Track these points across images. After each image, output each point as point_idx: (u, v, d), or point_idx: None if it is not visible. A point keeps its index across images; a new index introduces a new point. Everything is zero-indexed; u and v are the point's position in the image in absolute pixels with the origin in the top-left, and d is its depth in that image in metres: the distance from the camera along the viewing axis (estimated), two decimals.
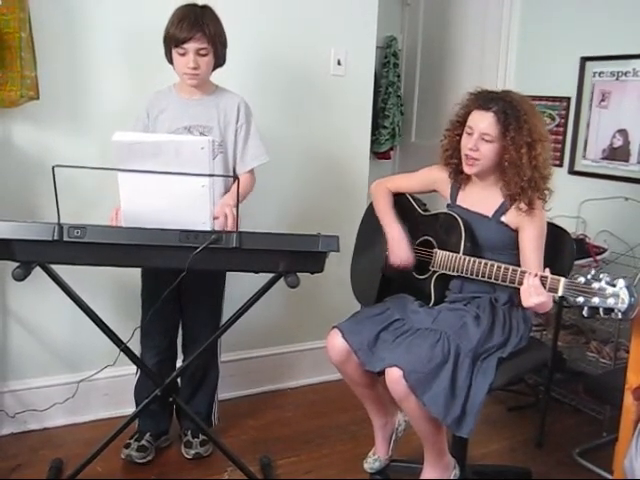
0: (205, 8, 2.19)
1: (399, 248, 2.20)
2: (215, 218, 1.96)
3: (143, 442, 2.39)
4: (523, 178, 1.98)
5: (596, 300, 1.69)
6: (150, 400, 2.16)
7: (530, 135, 1.97)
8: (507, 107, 1.98)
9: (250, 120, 2.33)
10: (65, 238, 1.76)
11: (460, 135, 2.10)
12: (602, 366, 2.78)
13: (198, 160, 1.83)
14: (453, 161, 2.16)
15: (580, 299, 1.71)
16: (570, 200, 3.05)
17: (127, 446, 2.37)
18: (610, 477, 2.08)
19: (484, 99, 2.03)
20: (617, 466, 1.94)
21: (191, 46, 2.13)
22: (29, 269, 1.81)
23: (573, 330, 3.01)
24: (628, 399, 1.92)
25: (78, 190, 2.41)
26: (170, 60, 2.22)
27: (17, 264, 1.79)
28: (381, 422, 2.31)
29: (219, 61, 2.25)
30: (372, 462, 2.31)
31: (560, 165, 3.21)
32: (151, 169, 1.80)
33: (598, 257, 2.80)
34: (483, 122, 2.00)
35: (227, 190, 2.25)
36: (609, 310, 1.68)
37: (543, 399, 2.77)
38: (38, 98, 2.26)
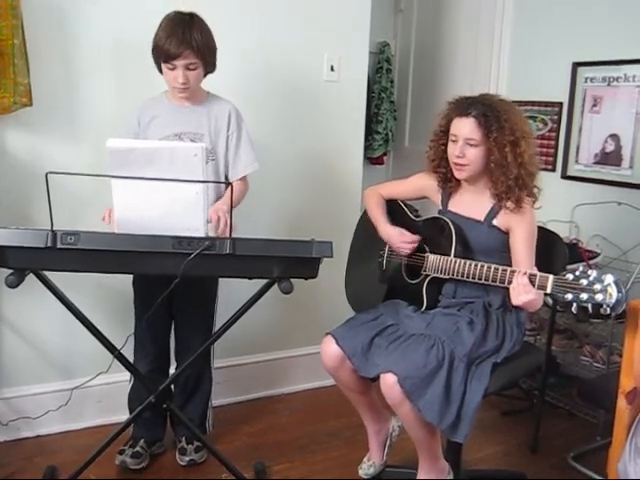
0: (193, 17, 2.13)
1: (397, 239, 2.22)
2: (208, 221, 1.95)
3: (137, 448, 2.38)
4: (509, 177, 2.00)
5: (585, 296, 1.68)
6: (144, 407, 2.16)
7: (512, 133, 1.99)
8: (486, 109, 2.00)
9: (241, 127, 2.32)
10: (58, 245, 1.75)
11: (445, 144, 2.12)
12: (596, 370, 2.79)
13: (191, 167, 1.83)
14: (441, 170, 2.17)
15: (569, 296, 1.71)
16: (563, 205, 3.07)
17: (121, 452, 2.37)
18: None
19: (463, 105, 2.05)
20: (611, 470, 1.94)
21: (180, 62, 2.11)
22: (22, 276, 1.80)
23: (567, 334, 3.02)
24: (621, 403, 1.93)
25: (71, 196, 2.40)
26: (159, 69, 2.20)
27: (10, 271, 1.79)
28: (375, 428, 2.31)
29: (209, 69, 2.22)
30: (367, 468, 2.31)
31: (553, 170, 3.23)
32: (145, 176, 1.80)
33: (591, 261, 2.81)
34: (465, 128, 2.02)
35: (219, 197, 2.25)
36: (598, 305, 1.68)
37: (537, 403, 2.77)
38: (31, 105, 2.27)
